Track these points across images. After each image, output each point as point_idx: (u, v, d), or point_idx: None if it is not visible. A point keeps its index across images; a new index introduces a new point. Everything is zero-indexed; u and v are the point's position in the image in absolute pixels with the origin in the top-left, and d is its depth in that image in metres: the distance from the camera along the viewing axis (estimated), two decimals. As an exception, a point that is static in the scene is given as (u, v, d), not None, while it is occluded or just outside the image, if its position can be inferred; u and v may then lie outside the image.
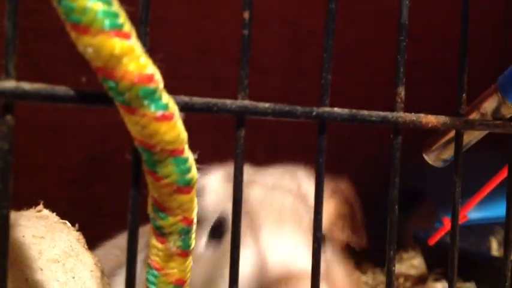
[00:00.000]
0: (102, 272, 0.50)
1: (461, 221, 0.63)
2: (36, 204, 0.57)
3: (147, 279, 0.36)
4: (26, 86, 0.30)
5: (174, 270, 0.35)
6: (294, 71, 1.25)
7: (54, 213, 0.55)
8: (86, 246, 0.52)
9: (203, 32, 1.14)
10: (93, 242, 0.60)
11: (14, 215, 0.54)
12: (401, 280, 1.43)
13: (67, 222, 0.54)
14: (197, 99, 0.34)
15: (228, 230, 0.60)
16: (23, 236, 0.50)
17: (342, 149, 1.40)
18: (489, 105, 0.46)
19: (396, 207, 0.41)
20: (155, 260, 0.35)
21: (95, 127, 1.12)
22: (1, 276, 0.29)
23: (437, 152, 0.51)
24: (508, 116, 0.46)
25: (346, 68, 1.24)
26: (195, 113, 0.34)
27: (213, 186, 0.64)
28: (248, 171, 0.66)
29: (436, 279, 1.35)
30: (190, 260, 0.36)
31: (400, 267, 1.51)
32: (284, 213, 0.59)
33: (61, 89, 0.31)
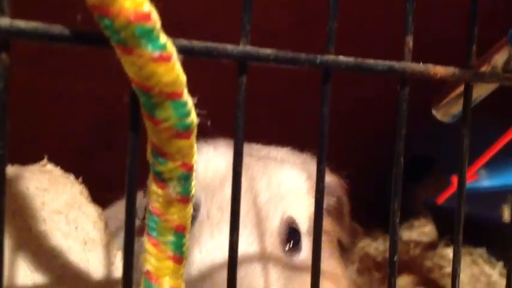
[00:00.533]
0: (106, 224, 0.50)
1: (471, 179, 0.62)
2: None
3: (148, 226, 0.35)
4: (21, 23, 0.29)
5: (174, 216, 0.35)
6: (301, 36, 1.23)
7: (58, 167, 0.55)
8: (89, 199, 0.52)
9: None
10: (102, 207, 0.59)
11: (18, 169, 0.54)
12: (411, 246, 1.43)
13: (71, 176, 0.54)
14: (197, 43, 0.33)
15: (197, 218, 0.59)
16: (27, 188, 0.50)
17: (352, 124, 1.38)
18: (500, 57, 0.45)
19: (402, 159, 0.41)
20: (155, 206, 0.35)
21: (102, 96, 1.11)
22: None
23: (447, 107, 0.50)
24: None
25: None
26: (194, 56, 0.33)
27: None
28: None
29: (447, 245, 1.35)
30: (190, 207, 0.35)
31: (410, 234, 1.52)
32: (249, 213, 0.57)
33: (57, 28, 0.30)
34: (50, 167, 0.55)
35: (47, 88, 1.08)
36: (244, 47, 0.35)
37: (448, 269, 1.27)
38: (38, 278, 0.45)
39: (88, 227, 0.49)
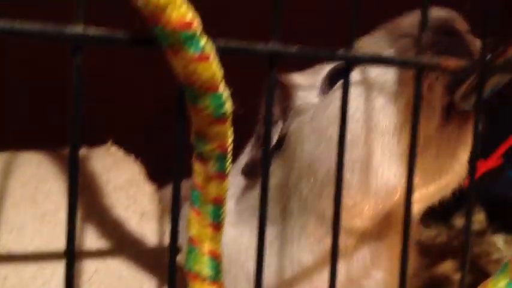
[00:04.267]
0: (159, 200, 0.58)
1: (495, 164, 0.66)
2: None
3: (192, 197, 0.42)
4: (91, 30, 0.36)
5: (212, 190, 0.41)
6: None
7: (121, 150, 0.63)
8: (146, 177, 0.59)
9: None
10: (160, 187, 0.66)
11: (87, 151, 0.62)
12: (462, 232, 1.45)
13: (131, 157, 0.62)
14: (233, 43, 0.39)
15: None
16: (94, 167, 0.58)
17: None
18: (513, 50, 0.48)
19: (415, 139, 0.46)
20: (198, 180, 0.41)
21: (169, 79, 1.17)
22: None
23: (466, 94, 0.54)
24: None
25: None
26: (230, 55, 0.39)
27: None
28: None
29: (495, 232, 1.36)
30: (227, 182, 0.42)
31: (462, 222, 1.53)
32: None
33: (120, 34, 0.37)
34: (113, 149, 0.63)
35: (118, 74, 1.15)
36: (273, 45, 0.41)
37: (495, 256, 1.29)
38: (102, 244, 0.53)
39: (144, 201, 0.56)
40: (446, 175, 0.59)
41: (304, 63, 0.42)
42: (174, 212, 0.41)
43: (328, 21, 0.97)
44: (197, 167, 0.41)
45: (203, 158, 0.40)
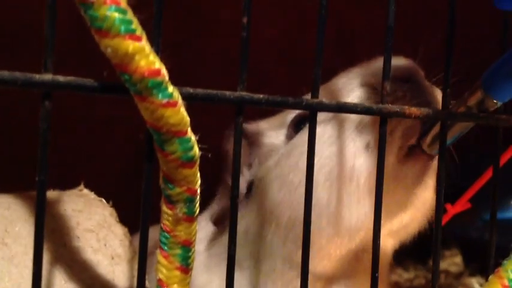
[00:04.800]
0: (130, 242, 0.58)
1: (463, 208, 0.67)
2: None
3: (160, 241, 0.43)
4: (61, 78, 0.37)
5: (181, 233, 0.42)
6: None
7: (93, 192, 0.64)
8: (117, 220, 0.59)
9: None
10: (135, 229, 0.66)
11: (58, 193, 0.63)
12: (442, 276, 1.46)
13: (103, 199, 0.62)
14: (200, 91, 0.41)
15: None
16: (65, 210, 0.58)
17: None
18: (474, 99, 0.50)
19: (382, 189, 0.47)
20: (166, 223, 0.42)
21: (141, 123, 1.19)
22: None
23: (431, 141, 0.55)
24: (492, 109, 0.50)
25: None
26: (198, 102, 0.40)
27: None
28: None
29: (472, 274, 1.37)
30: (195, 225, 0.42)
31: (441, 264, 1.54)
32: None
33: (88, 81, 0.38)
34: (85, 191, 0.64)
35: (95, 116, 1.16)
36: (240, 93, 0.42)
37: (473, 298, 1.29)
38: (71, 287, 0.52)
39: (115, 244, 0.56)
40: (407, 210, 0.60)
41: (271, 109, 0.44)
42: (141, 254, 0.42)
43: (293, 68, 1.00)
44: (165, 210, 0.42)
45: (171, 202, 0.41)
